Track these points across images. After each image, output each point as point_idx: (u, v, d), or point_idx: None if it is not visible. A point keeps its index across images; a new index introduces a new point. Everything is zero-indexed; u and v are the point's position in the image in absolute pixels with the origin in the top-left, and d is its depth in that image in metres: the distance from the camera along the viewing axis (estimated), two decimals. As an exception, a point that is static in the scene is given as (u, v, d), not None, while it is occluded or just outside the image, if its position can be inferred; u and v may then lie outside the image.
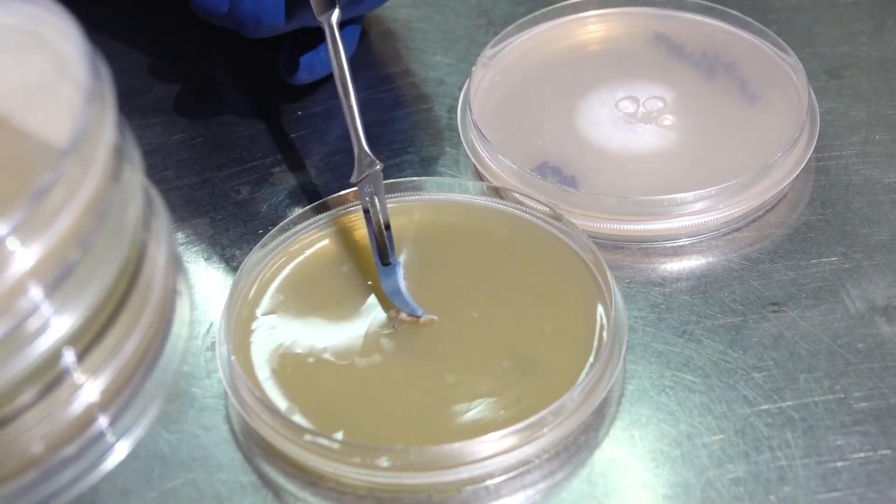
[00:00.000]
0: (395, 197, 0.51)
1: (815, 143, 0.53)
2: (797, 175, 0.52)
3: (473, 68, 0.56)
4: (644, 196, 0.50)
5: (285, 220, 0.50)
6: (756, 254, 0.51)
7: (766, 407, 0.45)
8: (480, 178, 0.53)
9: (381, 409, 0.45)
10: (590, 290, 0.47)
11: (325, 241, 0.50)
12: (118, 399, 0.39)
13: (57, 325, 0.36)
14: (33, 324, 0.35)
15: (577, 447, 0.44)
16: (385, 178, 0.49)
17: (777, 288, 0.49)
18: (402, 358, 0.46)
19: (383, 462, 0.42)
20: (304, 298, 0.48)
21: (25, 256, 0.34)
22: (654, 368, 0.47)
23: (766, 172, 0.51)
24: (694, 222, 0.51)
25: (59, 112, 0.38)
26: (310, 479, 0.44)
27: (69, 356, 0.37)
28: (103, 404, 0.38)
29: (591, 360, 0.45)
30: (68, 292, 0.36)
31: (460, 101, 0.55)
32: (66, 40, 0.39)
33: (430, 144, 0.56)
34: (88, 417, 0.38)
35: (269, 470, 0.44)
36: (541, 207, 0.50)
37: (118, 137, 0.39)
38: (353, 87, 0.50)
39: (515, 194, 0.51)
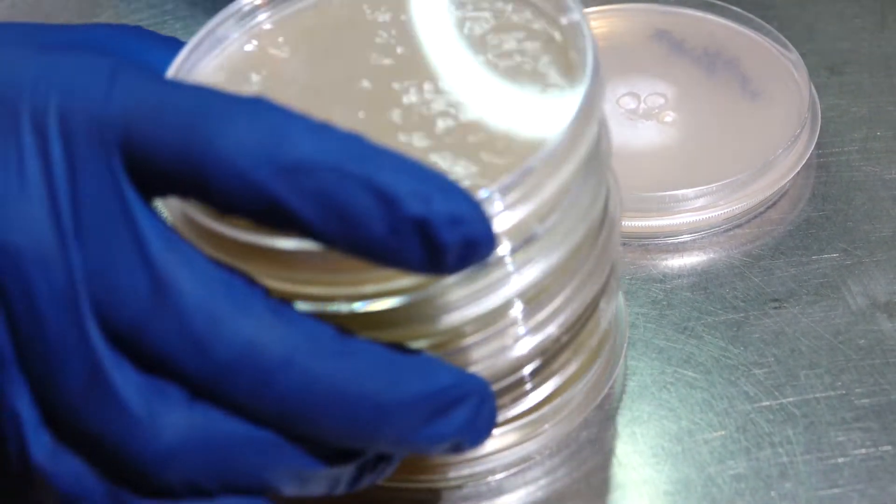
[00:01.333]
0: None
1: (816, 140, 0.53)
2: (798, 171, 0.52)
3: (476, 65, 0.56)
4: (645, 192, 0.50)
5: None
6: (757, 250, 0.51)
7: (768, 403, 0.45)
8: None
9: None
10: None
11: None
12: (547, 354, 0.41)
13: (515, 281, 0.37)
14: (496, 276, 0.37)
15: (578, 444, 0.44)
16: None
17: (778, 284, 0.49)
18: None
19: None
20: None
21: (506, 218, 0.36)
22: (656, 365, 0.47)
23: (768, 169, 0.51)
24: (695, 219, 0.51)
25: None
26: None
27: (518, 308, 0.39)
28: (532, 356, 0.41)
29: (592, 356, 0.45)
30: (529, 255, 0.37)
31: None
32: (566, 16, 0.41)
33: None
34: (520, 365, 0.40)
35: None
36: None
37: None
38: None
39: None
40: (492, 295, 0.38)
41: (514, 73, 0.40)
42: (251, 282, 0.34)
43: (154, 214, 0.33)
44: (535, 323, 0.40)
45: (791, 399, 0.45)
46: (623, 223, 0.50)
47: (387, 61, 0.41)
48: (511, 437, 0.42)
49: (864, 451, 0.44)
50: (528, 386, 0.41)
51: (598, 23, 0.58)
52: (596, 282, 0.42)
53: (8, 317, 0.33)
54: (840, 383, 0.46)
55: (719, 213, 0.51)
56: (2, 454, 0.35)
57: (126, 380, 0.33)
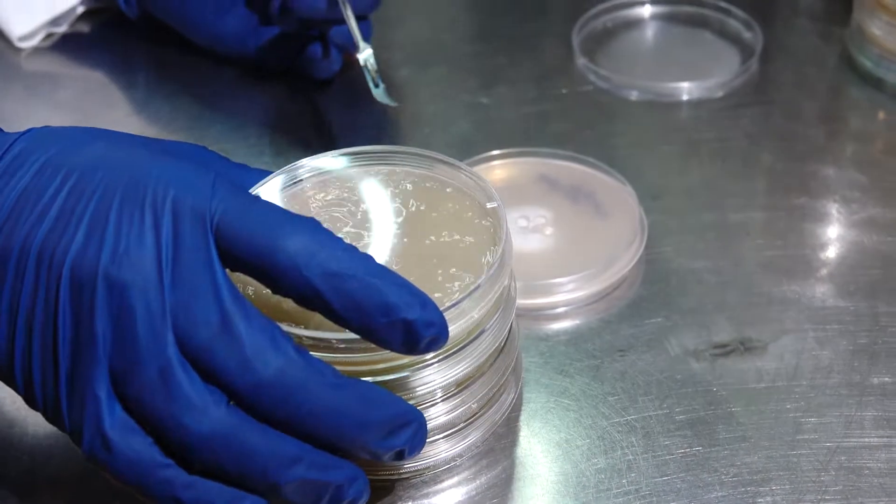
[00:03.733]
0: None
1: (644, 244, 0.54)
2: (633, 265, 0.53)
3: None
4: (534, 281, 0.51)
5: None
6: (608, 317, 0.51)
7: (618, 420, 0.46)
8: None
9: None
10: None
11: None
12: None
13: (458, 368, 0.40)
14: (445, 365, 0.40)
15: (492, 448, 0.45)
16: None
17: (622, 340, 0.50)
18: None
19: None
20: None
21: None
22: (543, 395, 0.47)
23: (613, 263, 0.52)
24: (567, 297, 0.51)
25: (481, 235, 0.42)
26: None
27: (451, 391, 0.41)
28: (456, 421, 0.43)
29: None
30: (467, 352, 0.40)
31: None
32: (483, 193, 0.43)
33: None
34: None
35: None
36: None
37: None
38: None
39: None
40: (439, 379, 0.39)
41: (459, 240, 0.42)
42: (283, 332, 0.35)
43: (227, 276, 0.34)
44: (461, 398, 0.41)
45: (633, 416, 0.46)
46: (519, 301, 0.49)
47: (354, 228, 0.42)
48: (445, 444, 0.43)
49: (682, 451, 0.44)
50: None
51: (502, 169, 0.58)
52: (501, 373, 0.43)
53: (114, 328, 0.33)
54: (665, 405, 0.46)
55: (582, 293, 0.51)
56: (75, 435, 0.34)
57: (190, 379, 0.33)
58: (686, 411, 0.46)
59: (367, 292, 0.34)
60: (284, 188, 0.43)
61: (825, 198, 0.57)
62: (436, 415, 0.41)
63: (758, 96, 0.64)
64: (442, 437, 0.42)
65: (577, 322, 0.51)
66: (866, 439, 0.44)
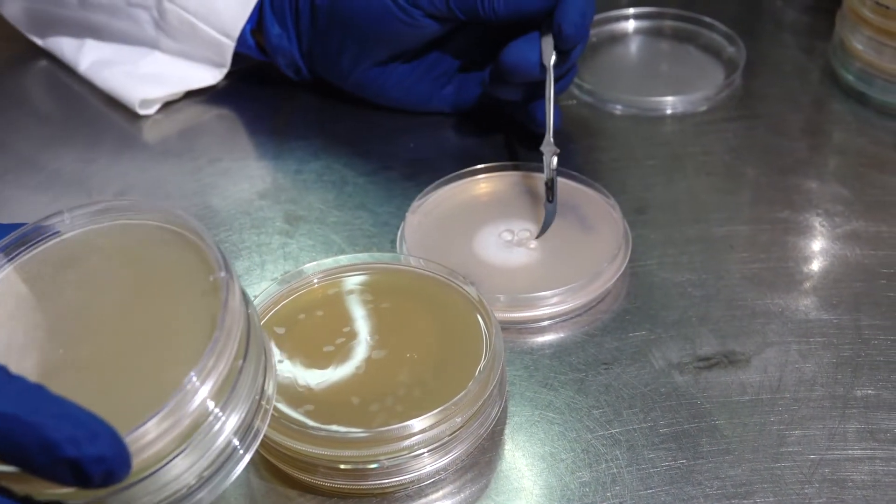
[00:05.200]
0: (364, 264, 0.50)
1: (628, 257, 0.54)
2: (617, 278, 0.53)
3: (407, 213, 0.56)
4: (519, 294, 0.51)
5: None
6: (592, 330, 0.51)
7: (602, 433, 0.46)
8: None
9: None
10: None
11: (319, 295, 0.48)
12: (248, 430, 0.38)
13: (227, 423, 0.36)
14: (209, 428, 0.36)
15: (476, 462, 0.45)
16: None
17: (607, 353, 0.50)
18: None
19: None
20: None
21: (204, 391, 0.35)
22: (527, 409, 0.47)
23: (597, 277, 0.52)
24: (551, 311, 0.51)
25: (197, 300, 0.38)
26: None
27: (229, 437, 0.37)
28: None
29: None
30: (233, 399, 0.37)
31: (398, 235, 0.56)
32: (200, 239, 0.39)
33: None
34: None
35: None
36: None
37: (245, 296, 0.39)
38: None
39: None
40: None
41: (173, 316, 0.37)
42: None
43: None
44: None
45: (617, 430, 0.46)
46: (504, 314, 0.51)
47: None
48: (429, 458, 0.43)
49: (667, 463, 0.44)
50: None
51: (486, 183, 0.58)
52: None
53: None
54: (650, 418, 0.46)
55: (567, 306, 0.51)
56: None
57: None
58: (670, 424, 0.46)
59: (23, 431, 0.31)
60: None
61: (808, 211, 0.57)
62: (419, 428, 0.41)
63: (741, 110, 0.65)
64: (426, 451, 0.42)
65: (562, 335, 0.51)
66: (850, 452, 0.44)
